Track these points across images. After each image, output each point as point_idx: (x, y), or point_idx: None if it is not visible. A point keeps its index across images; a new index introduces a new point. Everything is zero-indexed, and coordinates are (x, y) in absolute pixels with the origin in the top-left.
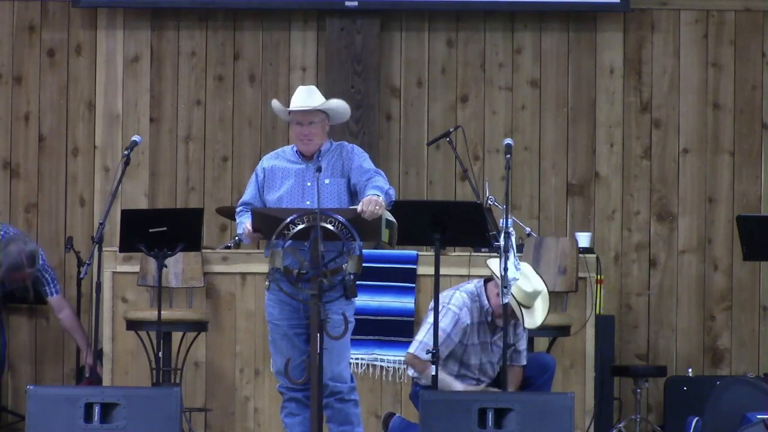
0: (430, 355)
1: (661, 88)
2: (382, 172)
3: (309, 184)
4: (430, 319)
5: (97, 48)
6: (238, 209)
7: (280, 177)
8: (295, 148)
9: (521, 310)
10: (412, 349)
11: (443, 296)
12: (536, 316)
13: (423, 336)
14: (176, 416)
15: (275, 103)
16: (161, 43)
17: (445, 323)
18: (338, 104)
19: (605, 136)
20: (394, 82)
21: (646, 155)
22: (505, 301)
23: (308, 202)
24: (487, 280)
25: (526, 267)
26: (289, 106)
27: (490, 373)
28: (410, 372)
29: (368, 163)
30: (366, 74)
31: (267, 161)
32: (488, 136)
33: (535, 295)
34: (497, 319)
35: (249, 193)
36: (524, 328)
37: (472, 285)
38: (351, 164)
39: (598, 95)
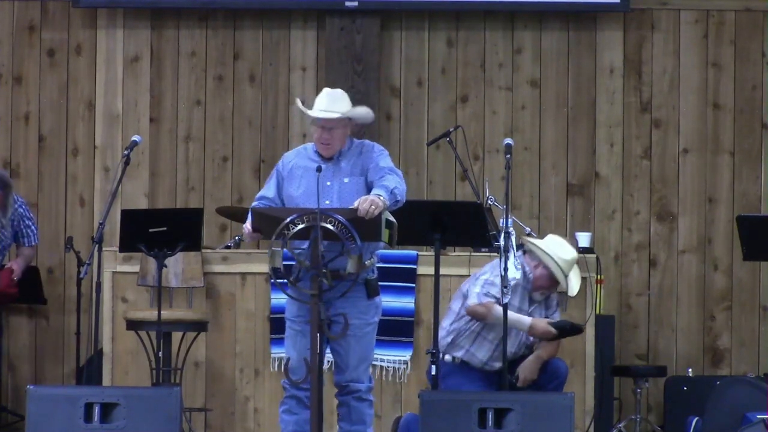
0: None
1: (661, 88)
2: (399, 172)
3: (329, 183)
4: (478, 278)
5: (97, 48)
6: (254, 204)
7: (300, 175)
8: (315, 148)
9: (565, 279)
10: (471, 301)
11: (488, 266)
12: (573, 284)
13: (479, 288)
14: (176, 416)
15: (299, 104)
16: (161, 43)
17: (495, 273)
18: (361, 112)
19: (605, 136)
20: (394, 82)
21: (646, 155)
22: (506, 301)
23: (327, 202)
24: (523, 252)
25: (557, 238)
26: (312, 107)
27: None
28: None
29: (385, 162)
30: (366, 74)
31: (288, 158)
32: (488, 136)
33: (573, 262)
34: (535, 291)
35: (268, 190)
36: (567, 296)
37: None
38: (369, 163)
39: (598, 95)
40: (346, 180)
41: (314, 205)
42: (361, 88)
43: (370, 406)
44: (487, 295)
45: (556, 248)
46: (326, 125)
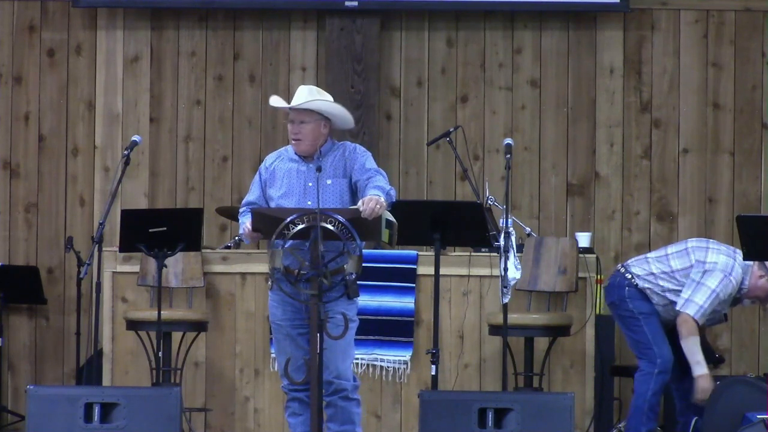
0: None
1: (661, 88)
2: (384, 172)
3: (310, 184)
4: (707, 282)
5: (97, 48)
6: (241, 210)
7: (281, 177)
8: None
9: None
10: (691, 311)
11: (721, 262)
12: None
13: (703, 300)
14: (176, 416)
15: (275, 100)
16: (161, 43)
17: (724, 292)
18: (333, 108)
19: (605, 136)
20: (394, 82)
21: (646, 155)
22: (505, 300)
23: (309, 203)
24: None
25: None
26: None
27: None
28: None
29: (370, 163)
30: (366, 74)
31: (269, 160)
32: (488, 136)
33: None
34: (745, 299)
35: (253, 194)
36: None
37: (740, 262)
38: (353, 164)
39: (598, 95)
40: (328, 182)
41: (297, 205)
42: (361, 88)
43: (358, 405)
44: (705, 314)
45: None
46: (296, 118)
